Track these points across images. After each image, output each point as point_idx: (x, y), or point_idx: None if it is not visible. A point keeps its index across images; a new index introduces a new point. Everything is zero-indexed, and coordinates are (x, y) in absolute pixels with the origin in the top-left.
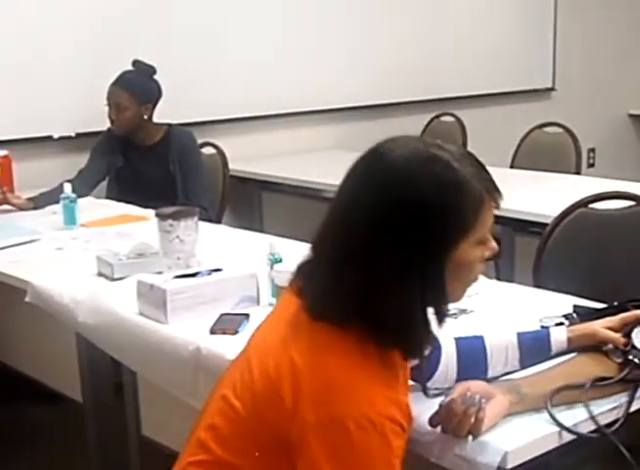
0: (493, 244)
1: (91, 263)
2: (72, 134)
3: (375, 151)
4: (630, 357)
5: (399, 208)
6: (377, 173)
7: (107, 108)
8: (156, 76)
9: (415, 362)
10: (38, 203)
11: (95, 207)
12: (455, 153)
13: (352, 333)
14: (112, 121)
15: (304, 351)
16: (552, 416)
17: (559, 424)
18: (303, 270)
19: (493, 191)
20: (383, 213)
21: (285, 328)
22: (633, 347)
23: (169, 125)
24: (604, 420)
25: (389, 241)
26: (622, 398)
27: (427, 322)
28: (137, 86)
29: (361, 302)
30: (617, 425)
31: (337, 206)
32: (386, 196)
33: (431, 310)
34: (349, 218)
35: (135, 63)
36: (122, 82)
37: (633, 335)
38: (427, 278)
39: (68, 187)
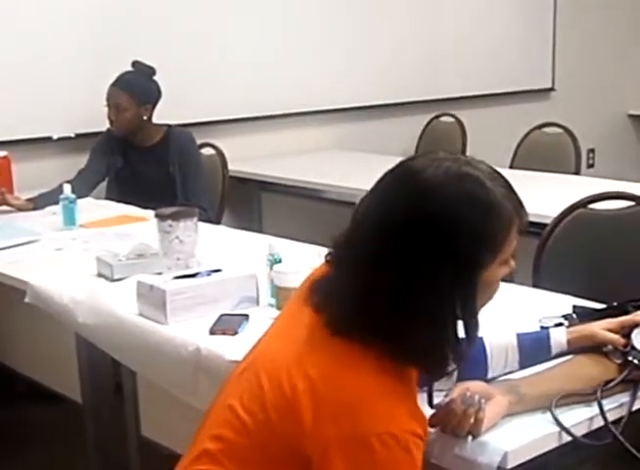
0: (512, 263)
1: (90, 264)
2: (72, 135)
3: (407, 168)
4: (630, 358)
5: (433, 226)
6: (411, 193)
7: (106, 108)
8: (155, 77)
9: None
10: (37, 203)
11: (94, 207)
12: (486, 172)
13: (371, 349)
14: (111, 122)
15: (323, 366)
16: (558, 422)
17: (564, 428)
18: (322, 285)
19: (521, 212)
20: (416, 232)
21: (298, 342)
22: (633, 348)
23: (169, 126)
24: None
25: (422, 259)
26: (622, 398)
27: (456, 342)
28: (136, 87)
29: (389, 320)
30: (621, 423)
31: (364, 222)
32: (419, 215)
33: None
34: (380, 236)
35: (135, 63)
36: (122, 83)
37: (633, 336)
38: (458, 297)
39: (67, 188)
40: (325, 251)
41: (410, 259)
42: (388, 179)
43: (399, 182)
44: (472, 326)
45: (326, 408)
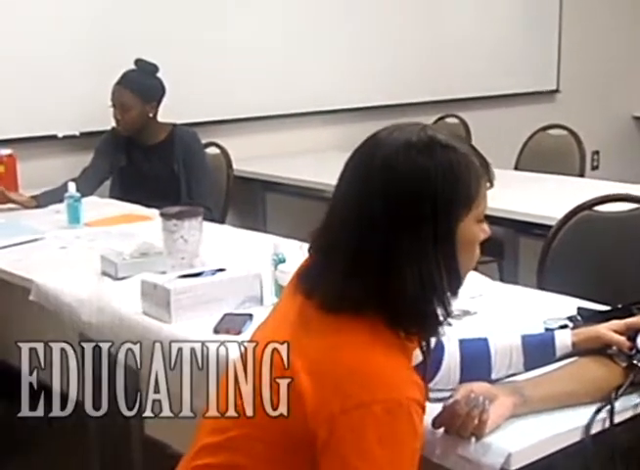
0: (486, 226)
1: (95, 262)
2: (77, 133)
3: (373, 142)
4: (635, 362)
5: (408, 190)
6: (381, 162)
7: (111, 107)
8: (159, 75)
9: (418, 362)
10: (41, 201)
11: (99, 206)
12: (449, 134)
13: (367, 320)
14: (117, 122)
15: (320, 344)
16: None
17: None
18: (309, 272)
19: (487, 167)
20: (393, 199)
21: (293, 327)
22: (638, 351)
23: (174, 125)
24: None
25: (403, 224)
26: (626, 401)
27: (443, 297)
28: (141, 85)
29: (378, 285)
30: None
31: (340, 202)
32: (394, 182)
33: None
34: (358, 210)
35: (138, 61)
36: (126, 82)
37: (638, 340)
38: (441, 254)
39: (72, 186)
40: (306, 245)
41: (391, 225)
42: (357, 156)
43: (368, 156)
44: (455, 281)
45: (327, 384)
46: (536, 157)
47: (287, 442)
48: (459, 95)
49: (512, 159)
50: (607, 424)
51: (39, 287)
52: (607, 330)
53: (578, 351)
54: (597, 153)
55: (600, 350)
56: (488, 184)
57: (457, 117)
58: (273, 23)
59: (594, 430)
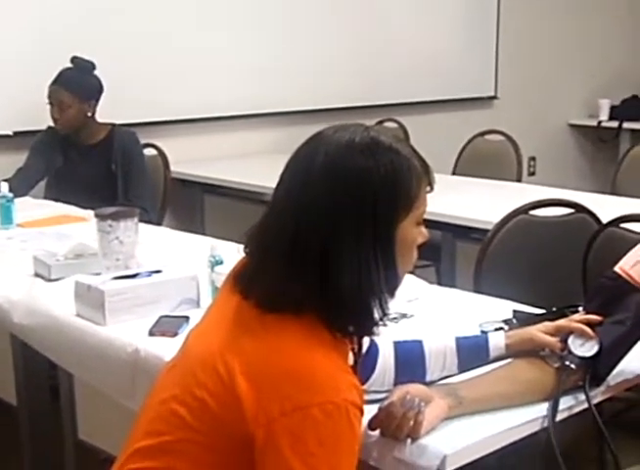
0: (425, 230)
1: (27, 264)
2: (10, 133)
3: (316, 140)
4: (567, 363)
5: (348, 190)
6: (322, 162)
7: (47, 106)
8: (96, 72)
9: (352, 363)
10: None
11: (33, 207)
12: (391, 136)
13: (305, 320)
14: (55, 120)
15: (258, 345)
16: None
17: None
18: (245, 272)
19: (428, 169)
20: (333, 198)
21: (229, 328)
22: (570, 352)
23: (113, 125)
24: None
25: (342, 223)
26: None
27: (381, 295)
28: (78, 83)
29: (316, 283)
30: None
31: (282, 199)
32: (334, 182)
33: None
34: (299, 211)
35: (74, 59)
36: (63, 80)
37: (569, 341)
38: (379, 254)
39: (4, 186)
40: (242, 246)
41: (330, 224)
42: (299, 154)
43: (310, 154)
44: (392, 281)
45: (265, 387)
46: (474, 162)
47: (225, 445)
48: (398, 100)
49: (450, 164)
50: (545, 424)
51: None
52: (539, 332)
53: (512, 352)
54: (534, 159)
55: (533, 351)
56: (428, 188)
57: (396, 121)
58: (211, 24)
59: (530, 431)
